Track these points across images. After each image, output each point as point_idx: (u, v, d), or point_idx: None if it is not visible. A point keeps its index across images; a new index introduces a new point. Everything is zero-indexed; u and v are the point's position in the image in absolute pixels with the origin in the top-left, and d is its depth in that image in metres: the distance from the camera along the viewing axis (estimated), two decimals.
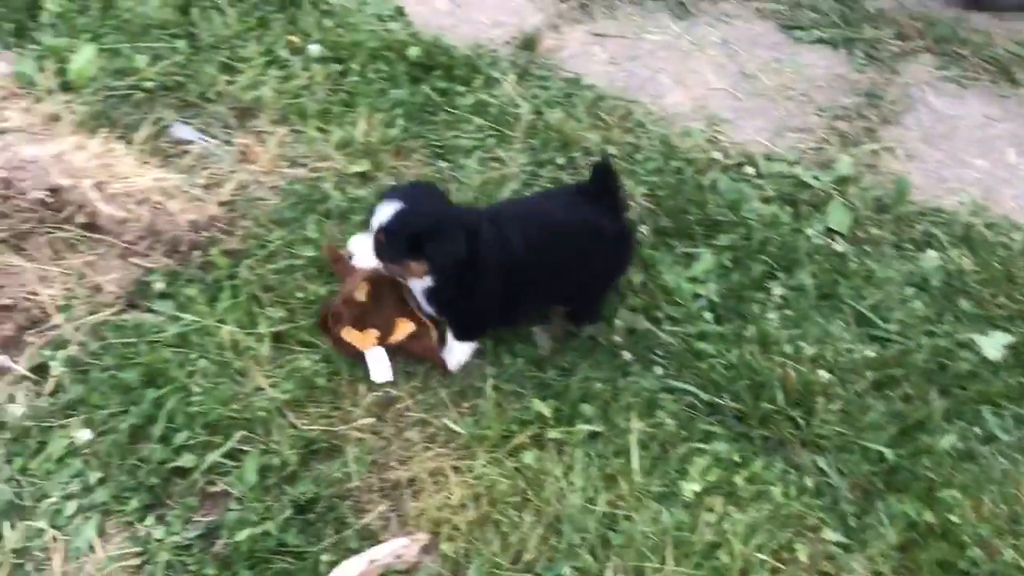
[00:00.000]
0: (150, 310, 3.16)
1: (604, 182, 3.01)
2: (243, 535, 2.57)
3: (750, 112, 4.37)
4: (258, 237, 3.45)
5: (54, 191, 3.18)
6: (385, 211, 2.78)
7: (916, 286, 3.53)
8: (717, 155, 4.03)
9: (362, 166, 3.77)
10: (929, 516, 2.81)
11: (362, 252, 2.87)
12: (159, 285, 3.20)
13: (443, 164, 3.84)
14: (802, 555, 2.69)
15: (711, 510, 2.77)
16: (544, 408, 2.96)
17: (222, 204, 3.54)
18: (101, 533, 2.66)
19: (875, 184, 3.97)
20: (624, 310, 3.29)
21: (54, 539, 2.63)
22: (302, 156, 3.82)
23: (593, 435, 2.94)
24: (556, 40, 4.66)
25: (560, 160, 3.86)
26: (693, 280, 3.42)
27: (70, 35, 4.11)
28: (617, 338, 3.20)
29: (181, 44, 4.16)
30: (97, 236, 3.26)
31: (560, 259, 2.98)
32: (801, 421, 2.99)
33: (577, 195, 3.10)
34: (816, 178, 3.95)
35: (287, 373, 3.03)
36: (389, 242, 2.80)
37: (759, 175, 3.96)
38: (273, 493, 2.73)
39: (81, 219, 3.24)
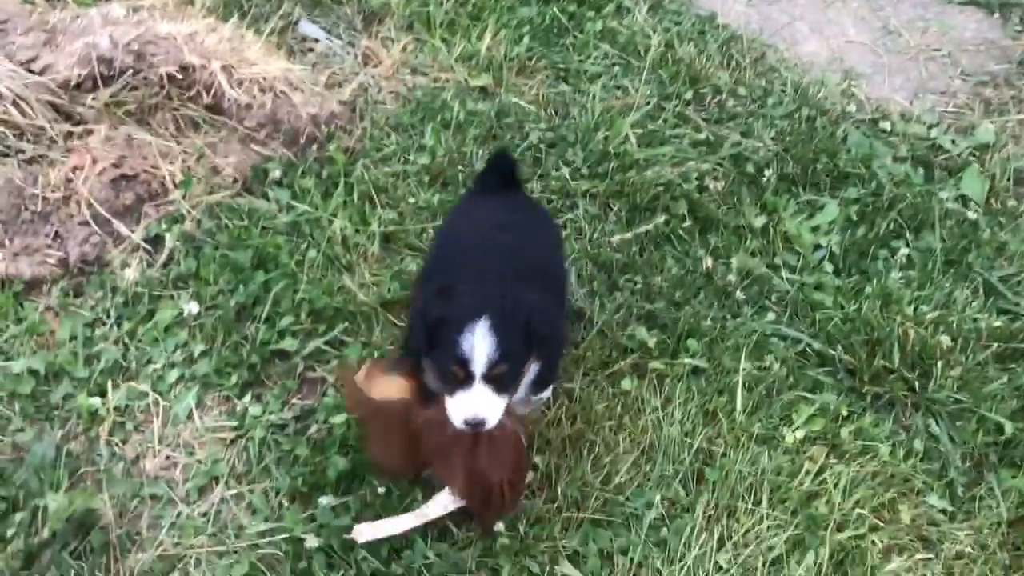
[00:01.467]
0: (265, 196, 3.18)
1: (505, 173, 2.83)
2: (339, 419, 2.57)
3: (889, 69, 4.16)
4: (375, 139, 3.44)
5: (184, 69, 3.19)
6: (477, 342, 2.11)
7: None
8: (851, 108, 3.85)
9: (483, 80, 3.71)
10: None
11: (483, 410, 2.15)
12: (276, 173, 3.21)
13: (565, 87, 3.77)
14: (905, 516, 2.58)
15: (812, 459, 2.67)
16: (648, 338, 2.88)
17: (342, 103, 3.53)
18: (200, 403, 2.71)
19: (1017, 155, 3.74)
20: (741, 252, 3.17)
21: (155, 403, 2.68)
22: (424, 65, 3.79)
23: (696, 371, 2.86)
24: None
25: (688, 95, 3.74)
26: (815, 230, 3.29)
27: None
28: (731, 278, 3.09)
29: None
30: (220, 119, 3.27)
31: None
32: (916, 383, 2.85)
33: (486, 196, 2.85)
34: (954, 142, 3.75)
35: (393, 273, 3.01)
36: (514, 364, 2.20)
37: (893, 133, 3.77)
38: None
39: (207, 100, 3.25)
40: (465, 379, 2.13)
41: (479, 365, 2.11)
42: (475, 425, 2.16)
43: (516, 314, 2.17)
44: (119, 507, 2.47)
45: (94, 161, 3.06)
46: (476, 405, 2.14)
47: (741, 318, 3.01)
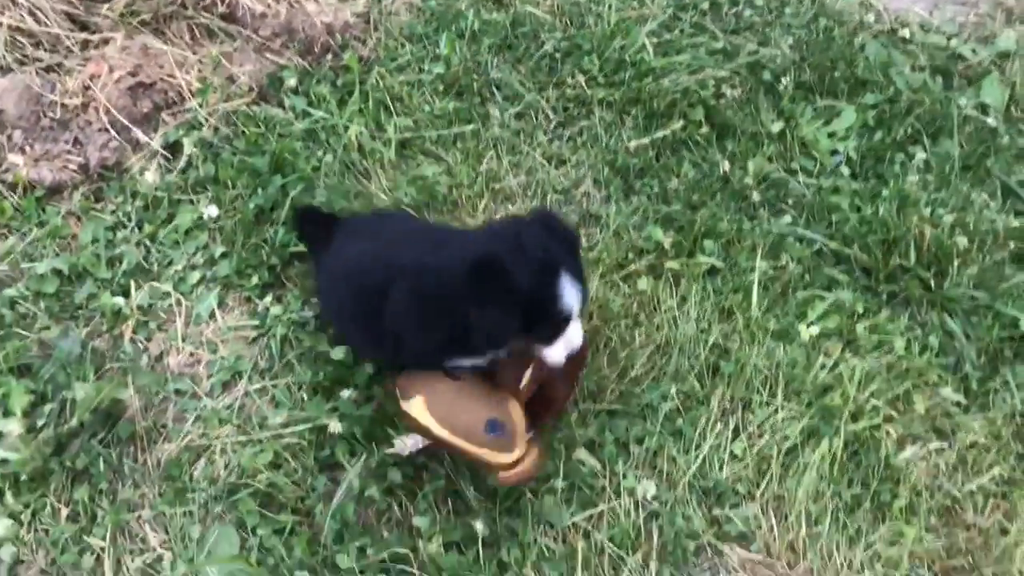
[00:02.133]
0: (280, 104, 3.18)
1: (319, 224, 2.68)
2: None
3: None
4: (390, 49, 3.42)
5: None
6: (572, 297, 2.09)
7: None
8: (870, 18, 3.80)
9: None
10: None
11: (579, 338, 2.16)
12: (291, 81, 3.20)
13: None
14: (919, 407, 2.61)
15: (827, 354, 2.70)
16: (664, 238, 2.90)
17: (356, 15, 3.51)
18: (221, 303, 2.74)
19: None
20: (758, 157, 3.17)
21: (178, 303, 2.72)
22: None
23: (712, 271, 2.88)
24: None
25: (704, 5, 3.69)
26: (832, 136, 3.28)
27: None
28: (748, 181, 3.09)
29: None
30: (235, 28, 3.27)
31: None
32: (932, 282, 2.86)
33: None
34: (974, 51, 3.70)
35: (410, 179, 3.02)
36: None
37: (912, 43, 3.72)
38: None
39: (221, 9, 3.25)
40: (565, 326, 2.12)
41: (576, 311, 2.11)
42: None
43: (573, 245, 2.19)
44: (145, 400, 2.52)
45: (111, 69, 3.07)
46: (573, 338, 2.13)
47: (757, 220, 3.02)
